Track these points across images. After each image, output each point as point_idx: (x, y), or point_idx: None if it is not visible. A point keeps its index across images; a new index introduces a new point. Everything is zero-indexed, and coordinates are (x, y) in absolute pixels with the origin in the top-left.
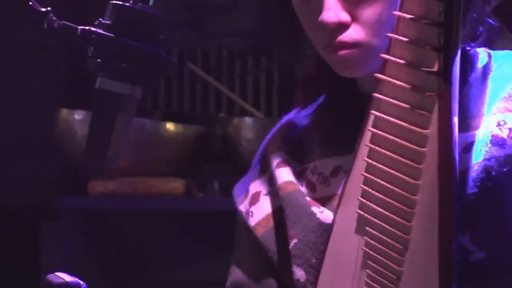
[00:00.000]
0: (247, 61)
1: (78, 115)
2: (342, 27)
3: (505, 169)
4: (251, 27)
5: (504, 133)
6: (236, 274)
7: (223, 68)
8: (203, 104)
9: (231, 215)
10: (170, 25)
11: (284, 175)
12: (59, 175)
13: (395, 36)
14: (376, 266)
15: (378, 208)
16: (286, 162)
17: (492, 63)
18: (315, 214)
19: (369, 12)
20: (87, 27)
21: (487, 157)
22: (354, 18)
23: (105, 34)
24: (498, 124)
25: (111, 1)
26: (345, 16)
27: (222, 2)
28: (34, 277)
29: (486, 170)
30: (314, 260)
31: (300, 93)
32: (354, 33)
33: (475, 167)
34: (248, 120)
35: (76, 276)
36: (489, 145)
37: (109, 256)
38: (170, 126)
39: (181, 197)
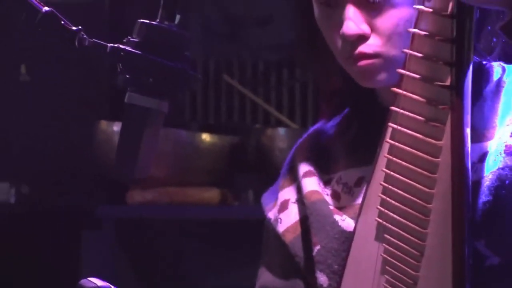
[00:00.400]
0: (282, 73)
1: (116, 127)
2: (362, 38)
3: None
4: (286, 40)
5: None
6: (264, 277)
7: (259, 79)
8: (239, 115)
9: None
10: (207, 37)
11: (310, 184)
12: (99, 184)
13: (411, 52)
14: (394, 272)
15: (396, 216)
16: (312, 172)
17: (505, 76)
18: (337, 222)
19: (387, 24)
20: (116, 45)
21: (501, 166)
22: (373, 30)
23: (133, 51)
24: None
25: (138, 20)
26: (365, 28)
27: (258, 16)
28: (74, 284)
29: (500, 179)
30: (336, 266)
31: (325, 106)
32: (373, 44)
33: (490, 176)
34: (281, 130)
35: (109, 282)
36: (503, 154)
37: (146, 264)
38: (206, 137)
39: (217, 206)
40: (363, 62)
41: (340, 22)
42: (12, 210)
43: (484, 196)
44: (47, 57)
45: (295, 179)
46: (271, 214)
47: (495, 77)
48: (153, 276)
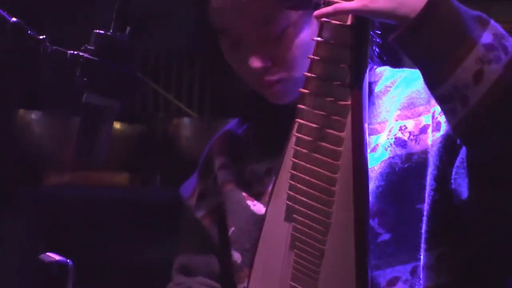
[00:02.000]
0: (183, 65)
1: (34, 115)
2: (267, 68)
3: (406, 165)
4: (188, 33)
5: (405, 136)
6: (183, 256)
7: (160, 70)
8: (142, 104)
9: (171, 204)
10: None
11: (225, 175)
12: (18, 168)
13: (314, 57)
14: (303, 246)
15: (304, 199)
16: (227, 165)
17: (393, 78)
18: (249, 206)
19: (287, 54)
20: (75, 52)
21: (391, 155)
22: (275, 60)
23: (90, 58)
24: (400, 129)
25: (94, 31)
26: (267, 61)
27: (161, 10)
28: None
29: (391, 166)
30: (248, 245)
31: (241, 112)
32: (277, 72)
33: (382, 164)
34: (186, 120)
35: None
36: (393, 145)
37: (63, 243)
38: (116, 125)
39: (126, 187)
40: (272, 89)
41: (246, 57)
42: None
43: (377, 181)
44: None
45: (212, 171)
46: (190, 202)
47: (385, 79)
48: (67, 253)
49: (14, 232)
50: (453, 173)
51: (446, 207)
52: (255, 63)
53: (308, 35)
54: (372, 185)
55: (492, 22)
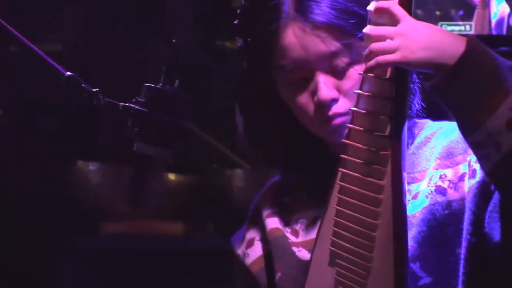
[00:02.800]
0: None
1: (92, 166)
2: (334, 102)
3: (446, 212)
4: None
5: (445, 184)
6: None
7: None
8: (197, 156)
9: (224, 253)
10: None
11: (272, 223)
12: (75, 218)
13: (356, 109)
14: None
15: (346, 244)
16: (274, 213)
17: (433, 130)
18: (294, 253)
19: (352, 85)
20: (127, 104)
21: (432, 202)
22: (341, 91)
23: (140, 109)
24: (440, 177)
25: (145, 84)
26: (335, 94)
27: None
28: None
29: (432, 213)
30: None
31: (286, 163)
32: (344, 104)
33: (423, 210)
34: (238, 171)
35: None
36: (434, 193)
37: None
38: (171, 176)
39: (181, 236)
40: (337, 120)
41: (311, 93)
42: None
43: (419, 227)
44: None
45: (259, 220)
46: (239, 251)
47: (425, 130)
48: None
49: (72, 281)
50: (486, 217)
51: (481, 250)
52: (325, 95)
53: None
54: (414, 231)
55: None
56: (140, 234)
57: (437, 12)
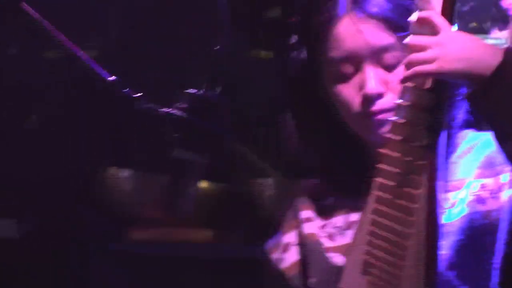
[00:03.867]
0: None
1: (124, 173)
2: (379, 97)
3: (485, 221)
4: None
5: (485, 194)
6: None
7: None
8: (229, 164)
9: (254, 261)
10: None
11: (309, 228)
12: (105, 223)
13: (395, 119)
14: None
15: (380, 253)
16: (311, 218)
17: (475, 141)
18: (328, 258)
19: (397, 81)
20: (167, 109)
21: (472, 211)
22: (388, 87)
23: (181, 115)
24: (482, 187)
25: (186, 90)
26: (382, 88)
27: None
28: None
29: (471, 221)
30: None
31: (321, 168)
32: (390, 100)
33: (462, 219)
34: (269, 180)
35: None
36: (474, 202)
37: None
38: (203, 183)
39: (210, 244)
40: (381, 116)
41: (359, 86)
42: (18, 246)
43: (457, 235)
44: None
45: (296, 225)
46: (274, 256)
47: (467, 141)
48: None
49: (103, 286)
50: None
51: None
52: (372, 89)
53: None
54: (451, 239)
55: None
56: (170, 240)
57: (474, 24)
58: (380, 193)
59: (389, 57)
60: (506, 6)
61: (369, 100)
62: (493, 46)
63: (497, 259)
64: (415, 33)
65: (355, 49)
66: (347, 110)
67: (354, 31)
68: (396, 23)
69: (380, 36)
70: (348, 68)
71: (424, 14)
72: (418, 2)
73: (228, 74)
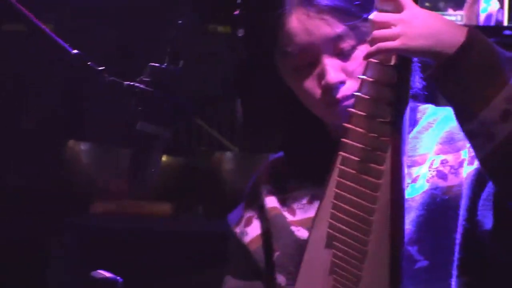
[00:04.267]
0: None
1: (83, 146)
2: (341, 84)
3: (446, 197)
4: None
5: (446, 169)
6: (229, 283)
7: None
8: (186, 138)
9: (213, 235)
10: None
11: (270, 202)
12: (66, 197)
13: (359, 94)
14: (342, 272)
15: (344, 227)
16: (272, 192)
17: (436, 116)
18: (293, 232)
19: (357, 66)
20: (131, 83)
21: (433, 187)
22: (347, 74)
23: (145, 88)
24: (442, 162)
25: (150, 64)
26: (342, 76)
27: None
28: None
29: (432, 197)
30: (292, 269)
31: (283, 145)
32: (351, 86)
33: (423, 195)
34: (228, 154)
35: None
36: (435, 178)
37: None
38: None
39: (168, 218)
40: (346, 102)
41: (318, 77)
42: None
43: (418, 211)
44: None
45: (258, 199)
46: (237, 229)
47: (427, 116)
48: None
49: (64, 259)
50: (480, 204)
51: (474, 236)
52: (333, 78)
53: None
54: (413, 214)
55: None
56: (129, 214)
57: (426, 4)
58: (344, 168)
59: (344, 45)
60: None
61: (331, 89)
62: (457, 24)
63: (458, 235)
64: (380, 10)
65: (309, 42)
66: (310, 101)
67: (305, 25)
68: (347, 10)
69: (332, 27)
70: (304, 61)
71: None
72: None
73: (190, 48)
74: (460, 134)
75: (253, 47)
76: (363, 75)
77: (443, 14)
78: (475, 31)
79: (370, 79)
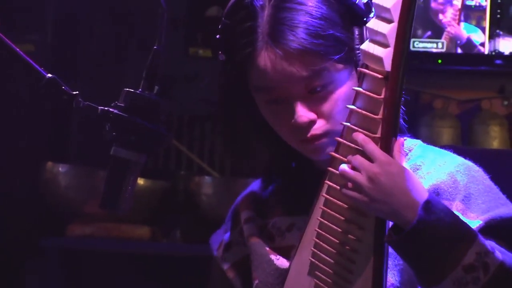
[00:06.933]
0: (205, 126)
1: (62, 168)
2: (312, 123)
3: None
4: (211, 97)
5: None
6: None
7: (183, 131)
8: (164, 161)
9: (191, 259)
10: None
11: (250, 229)
12: (44, 219)
13: (348, 124)
14: None
15: (327, 258)
16: (252, 219)
17: (423, 158)
18: (272, 260)
19: (329, 107)
20: (106, 108)
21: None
22: (319, 114)
23: (119, 114)
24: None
25: (125, 89)
26: (312, 115)
27: (186, 73)
28: None
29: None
30: None
31: (265, 172)
32: (321, 126)
33: None
34: (207, 178)
35: None
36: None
37: None
38: (140, 181)
39: (147, 241)
40: (316, 142)
41: (289, 114)
42: None
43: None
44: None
45: (238, 224)
46: (217, 253)
47: (414, 158)
48: None
49: (40, 281)
50: None
51: None
52: (302, 118)
53: (350, 87)
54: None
55: (479, 237)
56: (107, 236)
57: None
58: (329, 197)
59: (314, 85)
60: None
61: (301, 128)
62: (417, 192)
63: None
64: (363, 66)
65: (277, 81)
66: (283, 135)
67: (273, 65)
68: (316, 53)
69: (299, 69)
70: (274, 95)
71: (360, 139)
72: (364, 58)
73: (166, 72)
74: (448, 193)
75: (231, 75)
76: (353, 104)
77: (425, 40)
78: (429, 208)
79: (361, 110)
